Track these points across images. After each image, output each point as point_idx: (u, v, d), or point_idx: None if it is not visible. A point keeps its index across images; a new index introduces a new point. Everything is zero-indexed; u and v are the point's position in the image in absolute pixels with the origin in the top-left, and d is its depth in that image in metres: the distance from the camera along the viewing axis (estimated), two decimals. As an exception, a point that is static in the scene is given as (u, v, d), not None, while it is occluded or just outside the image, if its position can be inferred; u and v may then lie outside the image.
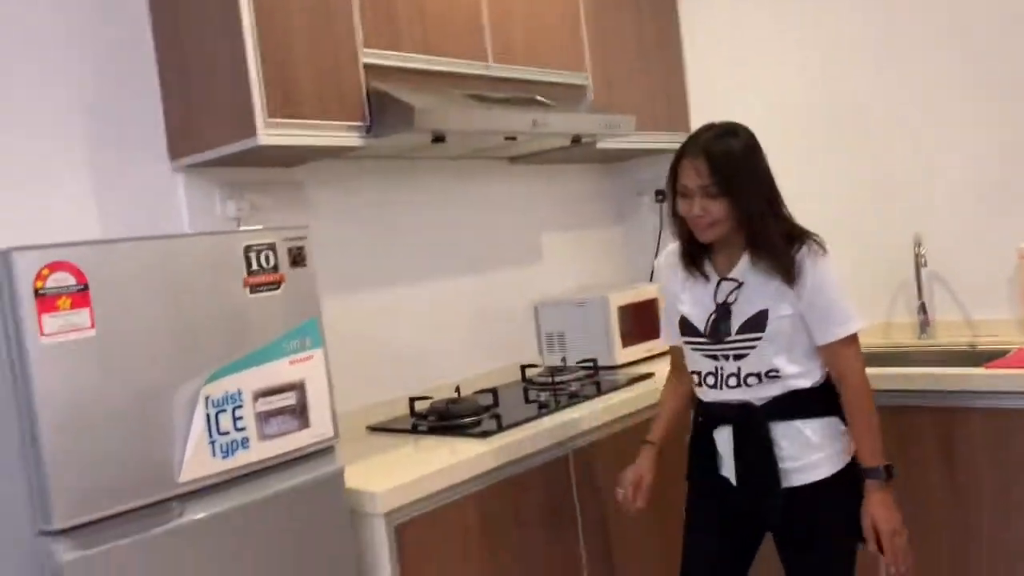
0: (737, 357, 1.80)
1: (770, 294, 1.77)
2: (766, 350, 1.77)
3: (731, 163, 1.73)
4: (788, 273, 1.74)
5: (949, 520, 2.29)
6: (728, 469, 1.84)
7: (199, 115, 2.08)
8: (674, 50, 3.30)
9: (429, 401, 2.49)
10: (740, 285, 1.80)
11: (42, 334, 1.36)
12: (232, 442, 1.59)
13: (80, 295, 1.40)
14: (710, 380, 1.85)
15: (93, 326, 1.41)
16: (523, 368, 2.87)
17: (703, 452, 1.90)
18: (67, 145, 2.01)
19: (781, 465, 1.78)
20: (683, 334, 1.89)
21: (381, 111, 2.16)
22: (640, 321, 3.05)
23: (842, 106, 2.97)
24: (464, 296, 2.87)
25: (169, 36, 2.12)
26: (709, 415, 1.88)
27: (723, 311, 1.82)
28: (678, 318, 1.90)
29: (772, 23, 3.11)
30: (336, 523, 1.77)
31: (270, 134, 1.95)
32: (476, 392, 2.60)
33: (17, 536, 1.41)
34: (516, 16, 2.62)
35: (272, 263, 1.68)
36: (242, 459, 1.60)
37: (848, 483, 1.78)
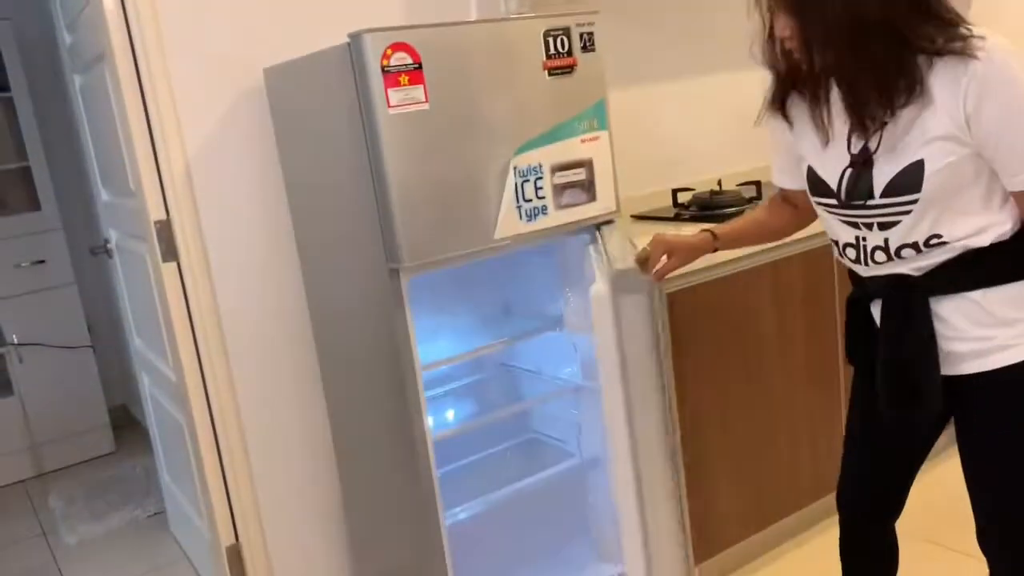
0: (883, 226, 1.38)
1: (929, 134, 1.29)
2: (926, 215, 1.33)
3: None
4: (901, 99, 1.28)
5: None
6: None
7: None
8: None
9: (692, 192, 2.61)
10: (884, 125, 1.32)
11: (389, 105, 1.61)
12: (534, 208, 1.81)
13: (416, 73, 1.64)
14: (851, 253, 1.46)
15: (427, 101, 1.65)
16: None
17: (856, 324, 1.54)
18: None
19: (948, 347, 1.39)
20: (812, 193, 1.48)
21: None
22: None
23: None
24: (731, 94, 2.88)
25: None
26: (860, 287, 1.51)
27: (861, 164, 1.36)
28: (804, 170, 1.48)
29: None
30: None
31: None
32: (739, 184, 2.68)
33: (372, 270, 1.75)
34: None
35: (567, 47, 1.83)
36: (541, 223, 1.83)
37: None
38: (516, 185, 1.78)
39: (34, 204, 3.72)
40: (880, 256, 1.41)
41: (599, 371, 1.97)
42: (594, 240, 1.96)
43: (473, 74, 1.71)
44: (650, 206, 2.69)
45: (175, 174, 2.01)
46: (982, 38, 1.25)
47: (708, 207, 2.49)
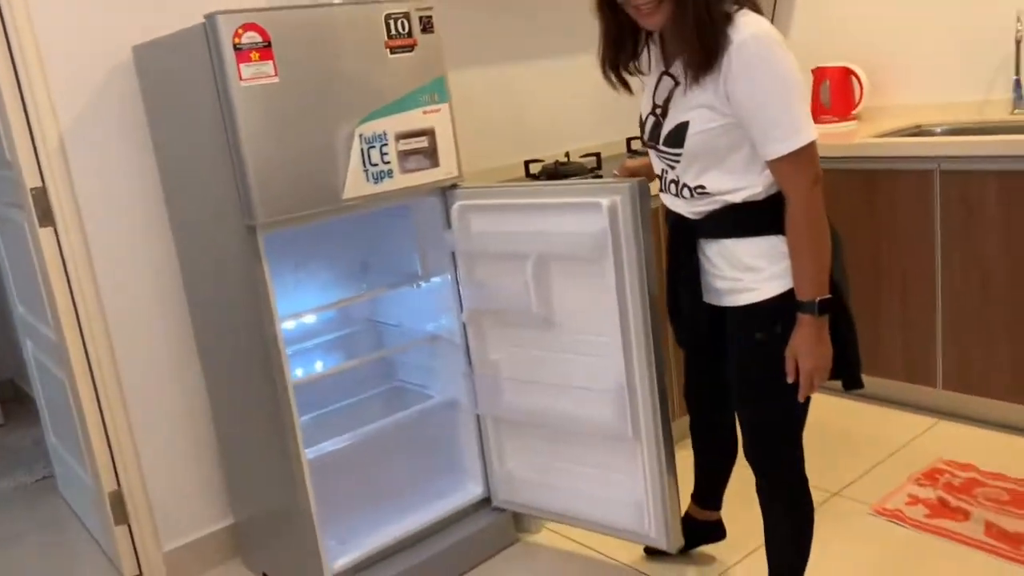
0: (670, 167, 1.67)
1: (697, 101, 1.53)
2: (690, 167, 1.61)
3: None
4: (702, 64, 1.48)
5: (1008, 275, 2.55)
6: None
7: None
8: None
9: (541, 163, 2.89)
10: (677, 84, 1.57)
11: (241, 79, 1.82)
12: (380, 172, 2.05)
13: (266, 50, 1.84)
14: (658, 183, 1.76)
15: (276, 74, 1.86)
16: (628, 140, 3.20)
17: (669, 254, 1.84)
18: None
19: (712, 283, 1.69)
20: (640, 129, 1.76)
21: None
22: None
23: None
24: (578, 73, 3.17)
25: None
26: (667, 215, 1.80)
27: (660, 113, 1.63)
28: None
29: None
30: (461, 244, 2.24)
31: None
32: (582, 156, 2.98)
33: (232, 228, 1.95)
34: None
35: (407, 29, 2.06)
36: (388, 185, 2.06)
37: (790, 309, 1.58)
38: (363, 151, 2.01)
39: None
40: (672, 188, 1.69)
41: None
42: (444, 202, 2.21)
43: (319, 51, 1.93)
44: (504, 176, 2.95)
45: (49, 144, 2.16)
46: (744, 23, 1.47)
47: (554, 175, 2.77)
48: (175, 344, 2.39)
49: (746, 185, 1.59)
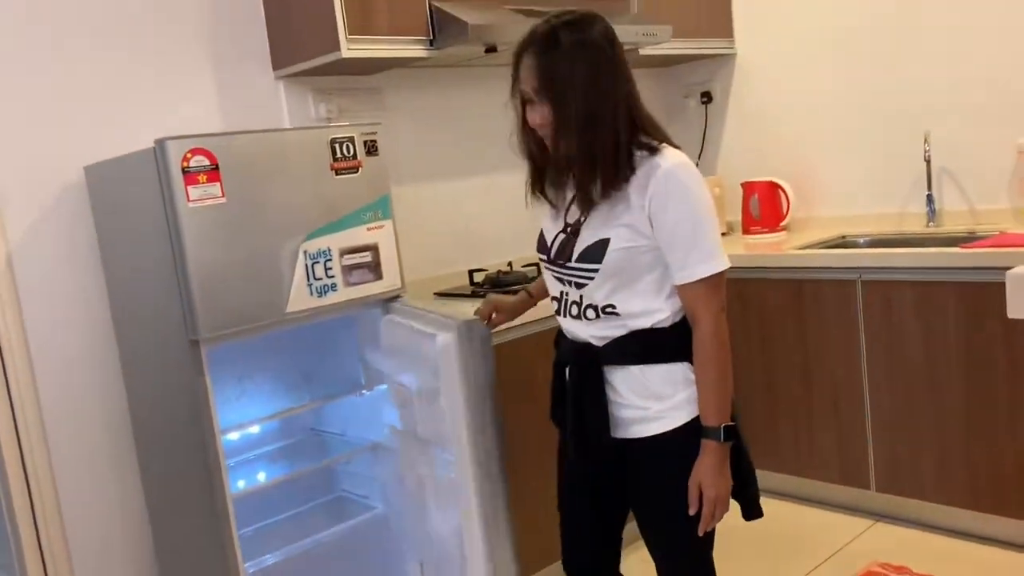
0: (579, 285, 1.64)
1: (619, 220, 1.56)
2: (604, 284, 1.59)
3: (562, 61, 1.52)
4: (612, 184, 1.54)
5: (928, 380, 2.68)
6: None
7: (295, 34, 2.56)
8: (718, -40, 3.56)
9: (485, 272, 2.99)
10: (593, 205, 1.60)
11: (188, 200, 1.89)
12: (324, 286, 2.12)
13: (213, 173, 1.93)
14: (555, 305, 1.73)
15: (223, 195, 1.94)
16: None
17: (556, 389, 1.77)
18: (196, 66, 2.52)
19: (617, 413, 1.63)
20: (537, 249, 1.77)
21: (441, 26, 2.59)
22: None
23: (876, 18, 3.21)
24: (516, 188, 3.30)
25: (270, -33, 2.60)
26: (559, 350, 1.76)
27: (572, 232, 1.65)
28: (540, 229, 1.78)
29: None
30: (403, 354, 2.30)
31: (351, 48, 2.42)
32: (524, 266, 3.08)
33: (176, 343, 1.99)
34: (564, -63, 2.96)
35: (352, 152, 2.17)
36: (332, 298, 2.13)
37: (696, 437, 1.58)
38: (307, 266, 2.08)
39: None
40: (574, 310, 1.66)
41: (446, 415, 2.10)
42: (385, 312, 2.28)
43: (266, 173, 2.02)
44: (451, 284, 3.04)
45: (-4, 260, 2.19)
46: (670, 154, 1.55)
47: (498, 284, 2.86)
48: (116, 461, 2.37)
49: (656, 309, 1.60)
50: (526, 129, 1.65)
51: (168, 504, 2.27)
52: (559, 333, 1.78)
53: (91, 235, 2.31)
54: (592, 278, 1.61)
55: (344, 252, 2.16)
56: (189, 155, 1.89)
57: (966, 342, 2.57)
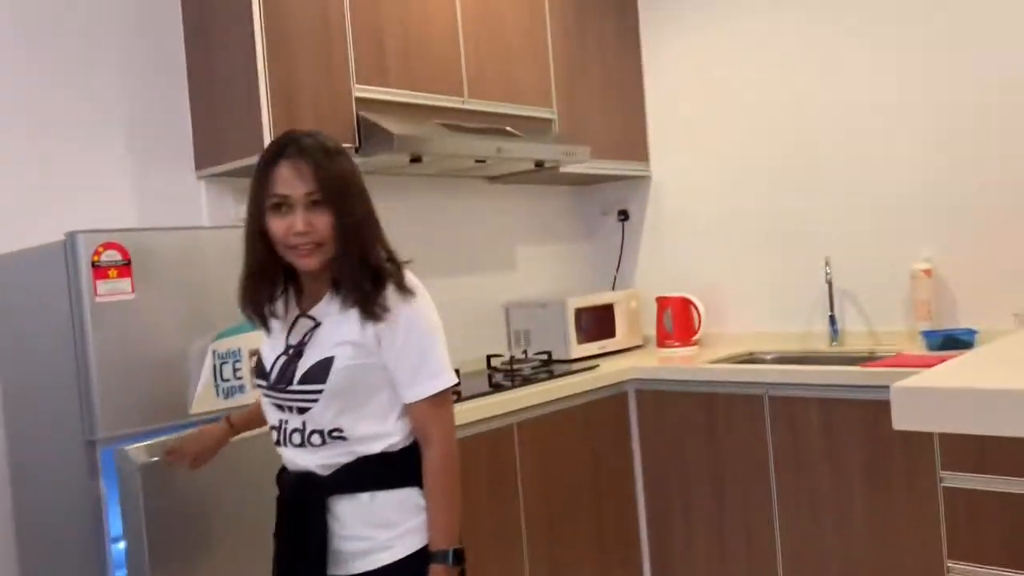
0: (301, 411, 1.54)
1: (343, 338, 1.51)
2: (329, 406, 1.51)
3: (338, 169, 1.52)
4: (371, 313, 1.49)
5: (833, 495, 2.74)
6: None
7: (219, 134, 2.59)
8: (635, 83, 3.77)
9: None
10: (317, 325, 1.55)
11: (96, 295, 1.85)
12: (231, 387, 2.07)
13: (124, 268, 1.90)
14: (275, 435, 1.60)
15: (133, 291, 1.91)
16: (488, 357, 3.34)
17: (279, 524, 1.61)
18: (116, 156, 2.52)
19: (340, 546, 1.53)
20: (255, 375, 1.65)
21: (368, 136, 2.65)
22: (595, 322, 3.51)
23: (781, 147, 3.44)
24: (444, 296, 3.32)
25: (197, 72, 2.64)
26: (281, 484, 1.62)
27: (294, 354, 1.56)
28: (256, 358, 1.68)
29: (725, 62, 3.58)
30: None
31: (275, 152, 2.45)
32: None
33: (70, 444, 1.90)
34: (490, 57, 3.11)
35: (270, 252, 2.17)
36: (239, 400, 2.08)
37: (424, 566, 1.51)
38: (215, 366, 2.04)
39: None
40: (296, 438, 1.54)
41: None
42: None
43: (180, 269, 2.00)
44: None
45: None
46: (406, 275, 1.55)
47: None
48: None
49: (385, 433, 1.54)
50: (264, 240, 1.54)
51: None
52: (282, 468, 1.64)
53: (-11, 328, 2.22)
54: (316, 400, 1.52)
55: (254, 353, 2.12)
56: (101, 249, 1.87)
57: (868, 458, 2.65)
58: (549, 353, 3.32)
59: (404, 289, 1.53)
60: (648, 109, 3.80)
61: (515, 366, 3.19)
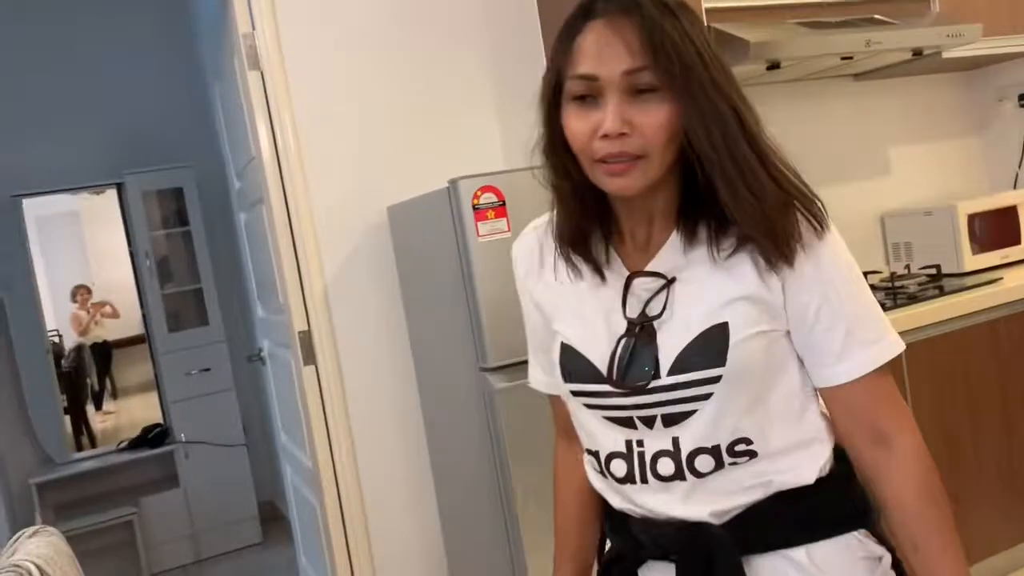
0: (671, 420, 0.97)
1: (734, 293, 0.96)
2: (732, 403, 0.96)
3: (684, 35, 0.91)
4: (780, 252, 0.95)
5: None
6: None
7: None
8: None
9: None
10: (670, 283, 0.99)
11: (478, 235, 1.98)
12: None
13: (500, 209, 2.01)
14: (619, 468, 1.02)
15: (509, 230, 2.01)
16: (864, 275, 3.05)
17: None
18: (485, 114, 2.67)
19: None
20: (567, 379, 1.04)
21: (720, 46, 2.51)
22: (994, 229, 3.05)
23: None
24: (806, 209, 3.11)
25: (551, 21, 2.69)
26: (627, 539, 1.05)
27: (642, 334, 0.98)
28: (556, 347, 1.06)
29: None
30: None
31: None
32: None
33: (467, 371, 2.09)
34: (853, -59, 2.77)
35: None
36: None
37: None
38: (588, 297, 2.09)
39: (203, 320, 4.34)
40: (666, 467, 0.98)
41: None
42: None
43: (546, 208, 2.06)
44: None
45: (315, 293, 2.45)
46: (811, 197, 1.02)
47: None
48: (415, 479, 2.55)
49: (813, 439, 1.00)
50: (567, 150, 1.01)
51: (461, 516, 2.38)
52: (610, 517, 1.08)
53: (391, 270, 2.51)
54: (708, 396, 0.95)
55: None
56: (479, 192, 1.99)
57: None
58: (938, 267, 2.95)
59: (818, 218, 0.99)
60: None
61: (897, 283, 2.88)
